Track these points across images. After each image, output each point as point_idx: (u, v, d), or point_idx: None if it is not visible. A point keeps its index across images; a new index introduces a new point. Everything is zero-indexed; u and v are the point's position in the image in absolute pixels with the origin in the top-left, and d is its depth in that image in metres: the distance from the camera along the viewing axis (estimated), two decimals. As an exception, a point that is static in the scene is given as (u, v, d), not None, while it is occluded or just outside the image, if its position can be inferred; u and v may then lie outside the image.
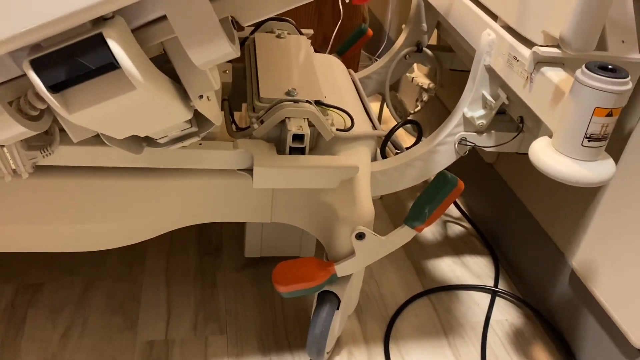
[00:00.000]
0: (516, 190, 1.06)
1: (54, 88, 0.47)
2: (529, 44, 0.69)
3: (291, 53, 0.97)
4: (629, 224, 0.78)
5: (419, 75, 1.23)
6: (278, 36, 1.02)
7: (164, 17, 0.48)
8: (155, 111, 0.54)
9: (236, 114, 0.88)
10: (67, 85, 0.48)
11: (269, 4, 0.52)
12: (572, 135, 0.59)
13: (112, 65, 0.46)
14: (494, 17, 0.78)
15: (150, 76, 0.49)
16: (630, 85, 0.56)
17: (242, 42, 1.04)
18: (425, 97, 1.24)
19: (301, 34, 1.07)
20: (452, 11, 0.91)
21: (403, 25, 1.11)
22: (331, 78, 1.00)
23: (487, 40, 0.77)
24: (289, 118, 0.77)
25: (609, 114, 0.57)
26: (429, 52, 1.11)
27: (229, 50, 0.50)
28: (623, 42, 0.69)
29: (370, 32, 1.21)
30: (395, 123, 1.05)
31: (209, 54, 0.49)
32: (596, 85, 0.56)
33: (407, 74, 1.24)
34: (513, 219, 1.07)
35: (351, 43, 1.22)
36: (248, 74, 0.92)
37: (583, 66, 0.57)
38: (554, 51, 0.65)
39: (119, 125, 0.55)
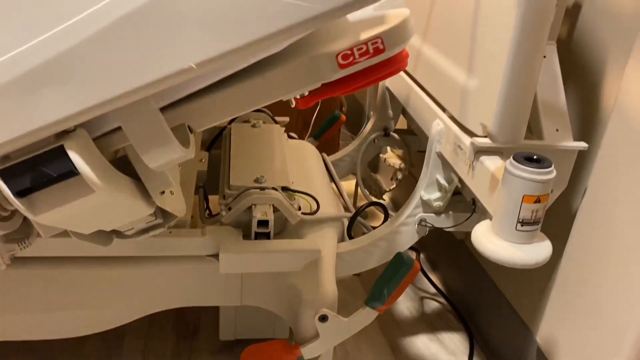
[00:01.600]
0: (485, 266, 1.09)
1: (20, 193, 0.53)
2: (470, 134, 0.75)
3: (264, 141, 1.04)
4: (580, 300, 0.80)
5: (391, 156, 1.29)
6: (253, 125, 1.10)
7: (120, 127, 0.54)
8: (116, 209, 0.59)
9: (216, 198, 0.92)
10: (33, 190, 0.53)
11: (218, 113, 0.58)
12: (506, 220, 0.63)
13: (72, 172, 0.52)
14: (443, 108, 0.85)
15: (109, 179, 0.55)
16: (553, 174, 0.61)
17: (221, 131, 1.12)
18: (399, 175, 1.29)
19: (276, 122, 1.15)
20: (410, 101, 0.98)
21: (371, 112, 1.19)
22: (302, 163, 1.06)
23: (437, 129, 0.83)
24: (255, 205, 0.82)
25: (537, 201, 0.62)
26: (395, 136, 1.18)
27: (181, 154, 0.55)
28: (557, 130, 0.75)
29: (343, 117, 1.29)
30: (372, 201, 1.10)
31: (162, 158, 0.55)
32: (522, 175, 0.61)
33: (381, 155, 1.30)
34: (484, 295, 1.09)
35: (326, 128, 1.30)
36: (222, 162, 0.98)
37: (511, 157, 0.63)
38: (489, 142, 0.71)
39: (84, 223, 0.60)
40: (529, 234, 0.63)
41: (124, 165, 0.61)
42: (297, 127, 1.49)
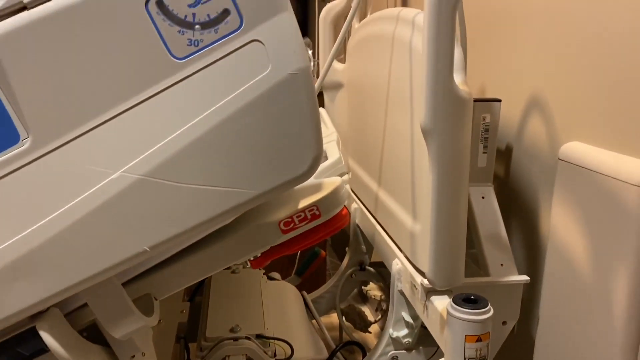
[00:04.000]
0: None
1: (-5, 373, 0.58)
2: (423, 274, 0.80)
3: (242, 287, 1.09)
4: None
5: (373, 287, 1.33)
6: (233, 271, 1.16)
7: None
8: (87, 377, 0.64)
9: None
10: (7, 369, 0.58)
11: (178, 281, 0.65)
12: (454, 359, 0.67)
13: (44, 350, 0.57)
14: (400, 248, 0.91)
15: (79, 352, 0.60)
16: (489, 314, 0.66)
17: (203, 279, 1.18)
18: (384, 306, 1.33)
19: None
20: (375, 239, 1.05)
21: (347, 248, 1.25)
22: (280, 305, 1.10)
23: (396, 268, 0.89)
24: (228, 356, 0.86)
25: (479, 340, 0.66)
26: (371, 269, 1.23)
27: (143, 324, 0.61)
28: (502, 265, 0.80)
29: (323, 254, 1.35)
30: (352, 339, 1.13)
31: (125, 329, 0.60)
32: (461, 317, 0.66)
33: (363, 287, 1.35)
34: None
35: (307, 265, 1.36)
36: (202, 311, 1.03)
37: (451, 299, 0.68)
38: (437, 282, 0.76)
39: (57, 393, 0.64)
40: (478, 372, 0.67)
41: (98, 330, 0.67)
42: (284, 264, 1.55)
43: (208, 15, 0.52)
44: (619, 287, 0.66)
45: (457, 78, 0.65)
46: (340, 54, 1.35)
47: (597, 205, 0.68)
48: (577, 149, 0.74)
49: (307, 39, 1.79)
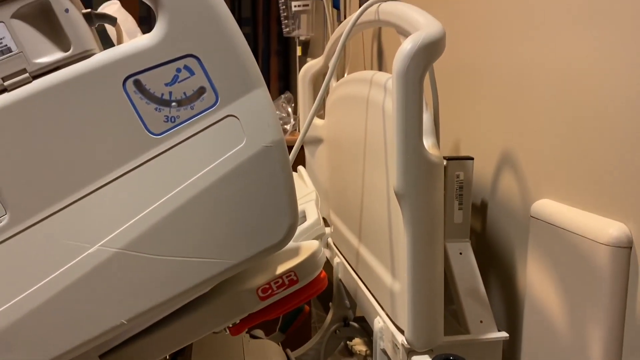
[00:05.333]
0: None
1: None
2: (404, 333, 0.81)
3: (224, 348, 1.08)
4: None
5: (358, 342, 1.32)
6: (215, 332, 1.15)
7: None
8: None
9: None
10: None
11: (157, 351, 0.64)
12: (437, 423, 0.67)
13: None
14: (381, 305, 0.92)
15: None
16: (469, 375, 0.66)
17: (186, 338, 1.16)
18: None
19: (239, 323, 1.20)
20: (357, 295, 1.05)
21: (330, 304, 1.25)
22: (264, 365, 1.09)
23: (379, 326, 0.89)
24: (210, 423, 0.84)
25: (459, 402, 0.66)
26: (355, 325, 1.22)
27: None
28: (481, 322, 0.81)
29: (307, 308, 1.34)
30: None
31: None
32: (440, 378, 0.66)
33: (348, 342, 1.34)
34: None
35: (291, 321, 1.34)
36: (184, 374, 1.01)
37: (431, 360, 0.68)
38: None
39: None
40: None
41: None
42: (267, 320, 1.53)
43: (184, 93, 0.54)
44: (595, 343, 0.67)
45: (427, 142, 0.68)
46: (320, 110, 1.38)
47: (568, 262, 0.70)
48: (547, 207, 0.76)
49: (289, 94, 1.83)
